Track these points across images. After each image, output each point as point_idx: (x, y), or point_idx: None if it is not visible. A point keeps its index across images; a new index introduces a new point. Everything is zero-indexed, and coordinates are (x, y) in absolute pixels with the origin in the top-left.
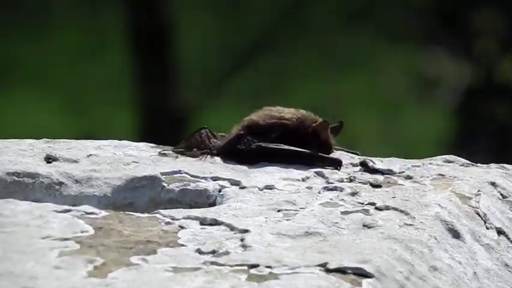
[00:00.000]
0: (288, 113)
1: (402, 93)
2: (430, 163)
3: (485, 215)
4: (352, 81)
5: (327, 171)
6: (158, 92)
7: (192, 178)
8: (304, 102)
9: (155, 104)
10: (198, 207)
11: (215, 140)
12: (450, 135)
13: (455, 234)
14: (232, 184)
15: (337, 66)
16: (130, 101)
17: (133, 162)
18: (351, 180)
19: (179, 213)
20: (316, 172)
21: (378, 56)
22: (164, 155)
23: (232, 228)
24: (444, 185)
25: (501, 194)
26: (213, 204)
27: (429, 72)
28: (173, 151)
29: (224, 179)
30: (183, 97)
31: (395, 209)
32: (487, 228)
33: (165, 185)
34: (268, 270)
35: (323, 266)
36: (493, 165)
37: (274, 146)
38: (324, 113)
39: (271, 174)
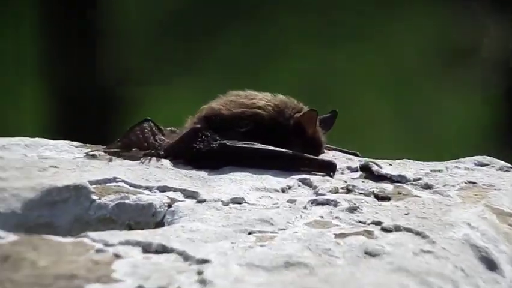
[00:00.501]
0: (262, 99)
1: (422, 67)
2: (457, 167)
3: None
4: (353, 53)
5: (316, 179)
6: (81, 68)
7: (131, 189)
8: (288, 83)
9: (78, 86)
10: (140, 229)
11: (162, 137)
12: (486, 127)
13: (490, 264)
14: (186, 197)
15: (333, 33)
16: (43, 82)
17: (51, 167)
18: (348, 191)
19: (114, 236)
20: (301, 180)
21: (388, 17)
22: (94, 157)
23: (186, 257)
24: (475, 197)
25: None
26: (160, 224)
27: (461, 39)
28: (105, 152)
29: (175, 190)
30: (118, 75)
31: (409, 229)
32: None
33: (95, 198)
34: None
35: None
36: None
37: (244, 145)
38: (313, 99)
39: (240, 182)
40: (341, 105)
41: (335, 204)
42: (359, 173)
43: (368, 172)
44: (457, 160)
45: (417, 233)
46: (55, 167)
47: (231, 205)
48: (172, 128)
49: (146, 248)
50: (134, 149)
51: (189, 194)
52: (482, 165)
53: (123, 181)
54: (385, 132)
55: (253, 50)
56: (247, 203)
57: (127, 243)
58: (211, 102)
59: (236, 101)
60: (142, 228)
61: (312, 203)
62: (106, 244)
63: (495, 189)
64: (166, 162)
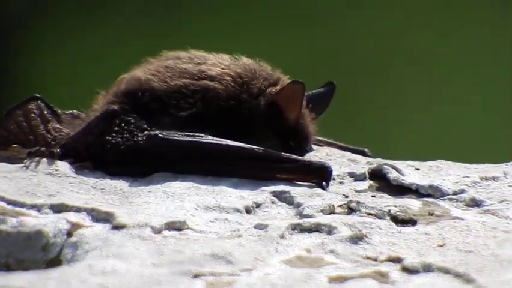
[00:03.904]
0: (216, 64)
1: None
2: None
3: None
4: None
5: (300, 192)
6: None
7: (9, 207)
8: (263, 48)
9: None
10: (23, 269)
11: (58, 126)
12: None
13: None
14: (96, 220)
15: None
16: None
17: None
18: (351, 210)
19: None
20: (276, 193)
21: None
22: None
23: None
24: None
25: None
26: (56, 262)
27: None
28: None
29: (79, 210)
30: None
31: (445, 270)
32: None
33: None
34: None
35: None
36: None
37: (187, 138)
38: (305, 64)
39: (180, 198)
40: (334, 79)
41: (330, 231)
42: (368, 182)
43: (381, 181)
44: None
45: (458, 275)
46: None
47: (166, 233)
48: (74, 112)
49: None
50: (14, 145)
51: (101, 217)
52: None
53: None
54: (413, 121)
55: None
56: (192, 230)
57: None
58: (136, 69)
59: (175, 67)
60: (28, 269)
61: (293, 230)
62: None
63: None
64: (64, 165)
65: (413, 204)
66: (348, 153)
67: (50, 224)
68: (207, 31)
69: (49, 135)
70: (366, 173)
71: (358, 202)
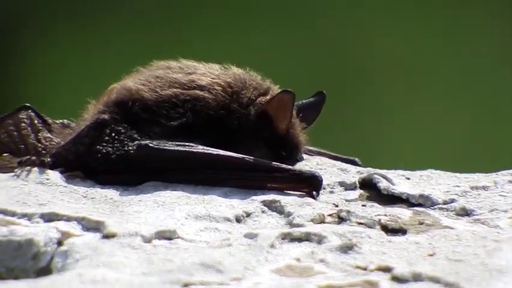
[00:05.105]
0: (206, 74)
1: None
2: (511, 181)
3: None
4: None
5: (289, 201)
6: None
7: None
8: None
9: None
10: (13, 278)
11: (49, 136)
12: None
13: None
14: (86, 229)
15: None
16: None
17: None
18: (341, 220)
19: None
20: (266, 203)
21: None
22: None
23: None
24: None
25: None
26: (46, 271)
27: None
28: None
29: (69, 219)
30: None
31: (435, 279)
32: None
33: None
34: None
35: None
36: None
37: (177, 148)
38: (292, 75)
39: (170, 207)
40: (324, 89)
41: (320, 240)
42: (358, 191)
43: (372, 190)
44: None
45: (448, 285)
46: None
47: (156, 242)
48: (65, 121)
49: None
50: (5, 154)
51: (91, 225)
52: None
53: None
54: (404, 131)
55: None
56: (182, 239)
57: None
58: (126, 78)
59: (165, 77)
60: (18, 278)
61: (283, 239)
62: None
63: None
64: (54, 175)
65: (403, 214)
66: (339, 162)
67: (41, 232)
68: (189, 30)
69: (40, 145)
70: (357, 183)
71: (348, 211)
